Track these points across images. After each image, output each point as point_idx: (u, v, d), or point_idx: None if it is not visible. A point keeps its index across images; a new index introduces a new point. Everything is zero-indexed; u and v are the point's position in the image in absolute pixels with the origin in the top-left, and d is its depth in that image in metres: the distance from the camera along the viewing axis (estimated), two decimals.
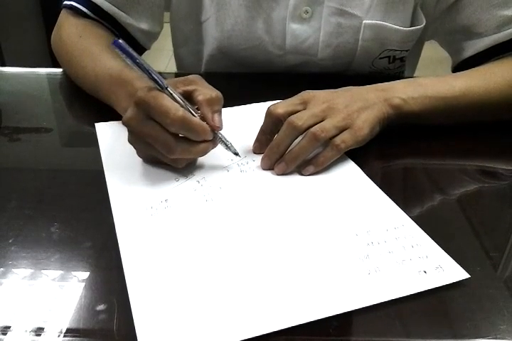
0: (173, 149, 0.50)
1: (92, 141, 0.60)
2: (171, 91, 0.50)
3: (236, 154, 0.55)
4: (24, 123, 0.66)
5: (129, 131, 0.52)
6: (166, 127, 0.49)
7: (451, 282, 0.41)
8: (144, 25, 0.76)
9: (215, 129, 0.51)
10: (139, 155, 0.55)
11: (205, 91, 0.52)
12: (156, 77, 0.49)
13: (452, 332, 0.38)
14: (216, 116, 0.52)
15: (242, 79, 0.76)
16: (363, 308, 0.39)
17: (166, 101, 0.49)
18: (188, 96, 0.52)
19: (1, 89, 0.76)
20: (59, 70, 0.77)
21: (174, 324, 0.37)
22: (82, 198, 0.52)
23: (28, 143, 0.62)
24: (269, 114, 0.56)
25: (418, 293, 0.40)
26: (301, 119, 0.54)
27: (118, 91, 0.60)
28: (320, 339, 0.38)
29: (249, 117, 0.61)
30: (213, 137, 0.52)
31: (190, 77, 0.54)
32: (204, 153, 0.53)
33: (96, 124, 0.63)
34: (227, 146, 0.54)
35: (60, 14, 0.75)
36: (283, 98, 0.58)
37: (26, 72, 0.81)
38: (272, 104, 0.57)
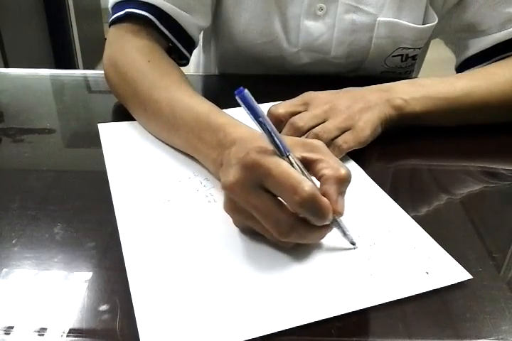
0: (287, 233, 0.41)
1: (95, 142, 0.60)
2: (292, 161, 0.41)
3: (353, 244, 0.45)
4: (27, 124, 0.67)
5: (228, 197, 0.43)
6: (289, 205, 0.40)
7: (454, 283, 0.41)
8: (202, 23, 0.72)
9: (336, 214, 0.42)
10: (236, 225, 0.46)
11: (334, 164, 0.42)
12: (278, 141, 0.40)
13: (454, 333, 0.38)
14: (341, 199, 0.42)
15: (246, 80, 0.76)
16: (366, 309, 0.39)
17: (292, 172, 0.39)
18: (307, 165, 0.43)
19: (4, 90, 0.77)
20: (62, 71, 0.77)
21: (177, 324, 0.37)
22: (85, 199, 0.52)
23: (31, 144, 0.62)
24: (269, 114, 0.56)
25: (420, 293, 0.40)
26: (302, 120, 0.54)
27: (206, 138, 0.50)
28: (322, 340, 0.38)
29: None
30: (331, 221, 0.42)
31: (314, 142, 0.44)
32: (319, 240, 0.44)
33: (99, 125, 0.63)
34: (345, 233, 0.44)
35: (111, 30, 0.68)
36: (287, 99, 0.58)
37: (29, 73, 0.82)
38: (273, 104, 0.57)
